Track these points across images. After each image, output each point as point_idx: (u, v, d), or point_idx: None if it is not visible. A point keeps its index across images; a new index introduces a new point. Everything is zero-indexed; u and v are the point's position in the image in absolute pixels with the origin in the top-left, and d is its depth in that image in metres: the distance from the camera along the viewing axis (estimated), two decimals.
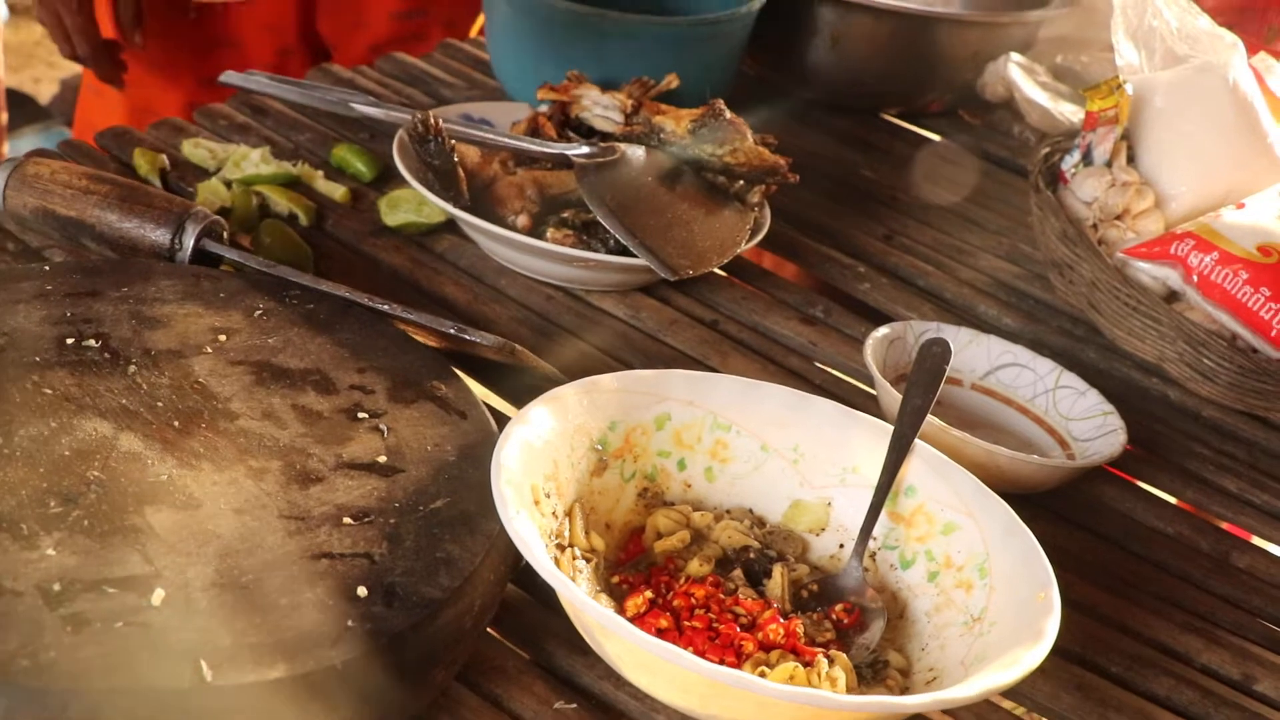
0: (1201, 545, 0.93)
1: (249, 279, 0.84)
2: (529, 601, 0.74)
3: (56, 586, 0.58)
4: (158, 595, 0.59)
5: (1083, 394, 0.96)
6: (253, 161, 1.09)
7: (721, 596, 0.73)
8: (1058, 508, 0.91)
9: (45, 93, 3.51)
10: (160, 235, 0.87)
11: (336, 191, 1.09)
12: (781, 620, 0.71)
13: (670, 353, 0.99)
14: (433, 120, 0.98)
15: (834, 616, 0.74)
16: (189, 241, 0.87)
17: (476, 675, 0.68)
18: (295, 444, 0.71)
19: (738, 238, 1.04)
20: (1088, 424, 0.94)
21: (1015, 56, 1.33)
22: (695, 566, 0.75)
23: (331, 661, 0.58)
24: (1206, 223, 1.06)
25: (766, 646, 0.70)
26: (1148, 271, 1.06)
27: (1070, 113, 1.31)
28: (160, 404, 0.71)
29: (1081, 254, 1.08)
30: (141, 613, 0.58)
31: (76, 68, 3.65)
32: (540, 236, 0.99)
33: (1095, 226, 1.12)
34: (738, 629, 0.70)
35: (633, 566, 0.76)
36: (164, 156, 1.07)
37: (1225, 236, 1.04)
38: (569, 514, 0.74)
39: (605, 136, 1.09)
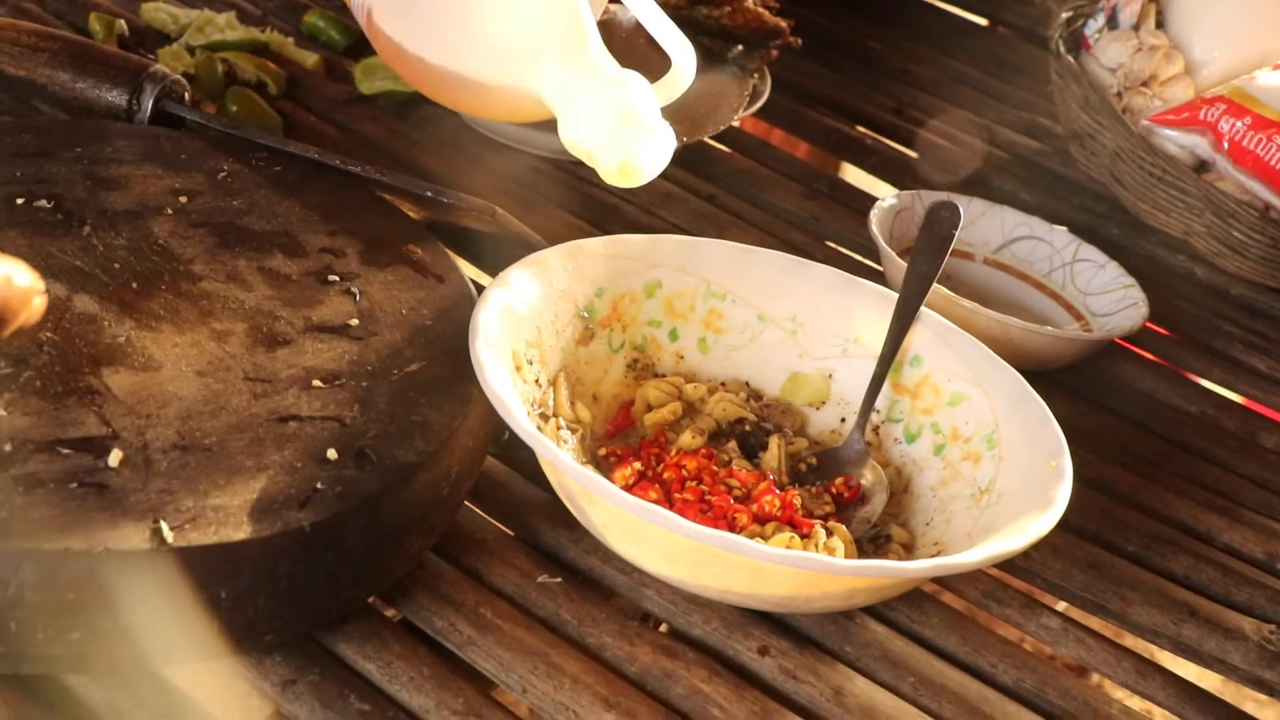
0: (1227, 424, 0.93)
1: (212, 141, 0.84)
2: (512, 476, 0.74)
3: (7, 447, 0.58)
4: (115, 456, 0.59)
5: (1102, 267, 0.95)
6: (218, 27, 1.07)
7: (714, 469, 0.73)
8: (1076, 385, 0.91)
9: None
10: (116, 96, 0.86)
11: (308, 59, 1.08)
12: (777, 492, 0.71)
13: (664, 226, 0.99)
14: None
15: (833, 490, 0.74)
16: (148, 102, 0.86)
17: (456, 549, 0.69)
18: (261, 306, 0.70)
19: (735, 105, 1.03)
20: (1107, 298, 0.94)
21: None
22: (687, 439, 0.75)
23: (299, 523, 0.58)
24: (1239, 86, 1.05)
25: (761, 519, 0.70)
26: (1175, 140, 1.05)
27: None
28: (117, 265, 0.71)
29: (1104, 123, 1.07)
30: (98, 474, 0.58)
31: None
32: None
33: (1120, 94, 1.11)
34: (731, 501, 0.70)
35: (621, 439, 0.76)
36: (121, 21, 1.06)
37: (1259, 100, 1.03)
38: (553, 383, 0.74)
39: None
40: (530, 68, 0.70)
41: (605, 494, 0.61)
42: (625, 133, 0.68)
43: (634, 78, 0.69)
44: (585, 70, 0.69)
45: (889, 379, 0.78)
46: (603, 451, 0.74)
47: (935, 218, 0.84)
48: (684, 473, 0.72)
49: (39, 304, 0.53)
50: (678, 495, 0.70)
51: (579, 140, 0.69)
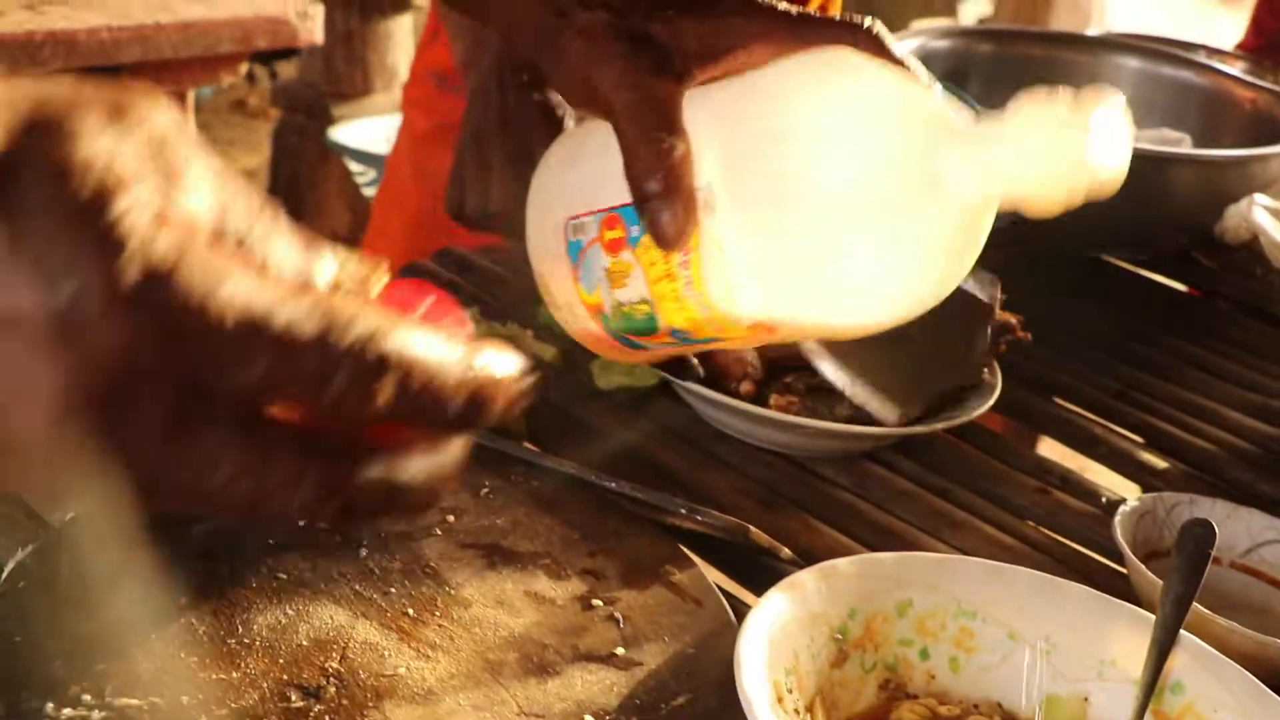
0: None
1: (473, 453, 0.87)
2: None
3: None
4: None
5: None
6: None
7: None
8: None
9: None
10: None
11: (547, 352, 1.13)
12: None
13: (900, 525, 0.99)
14: None
15: None
16: None
17: None
18: (530, 634, 0.73)
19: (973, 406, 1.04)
20: None
21: (1260, 198, 1.31)
22: None
23: None
24: None
25: None
26: None
27: None
28: (393, 590, 0.74)
29: None
30: None
31: None
32: (763, 403, 1.00)
33: None
34: None
35: None
36: None
37: None
38: (810, 709, 0.74)
39: None
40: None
41: None
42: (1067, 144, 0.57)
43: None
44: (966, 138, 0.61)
45: (1150, 704, 0.76)
46: None
47: (1189, 536, 0.83)
48: None
49: (522, 390, 0.50)
50: None
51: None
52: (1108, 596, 0.80)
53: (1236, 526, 0.97)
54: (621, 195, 0.68)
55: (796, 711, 0.73)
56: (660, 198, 0.64)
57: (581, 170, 0.73)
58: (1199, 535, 0.83)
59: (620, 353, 0.75)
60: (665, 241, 0.66)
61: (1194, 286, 1.49)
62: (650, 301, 0.70)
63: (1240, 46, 2.42)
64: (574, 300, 0.74)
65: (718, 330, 0.69)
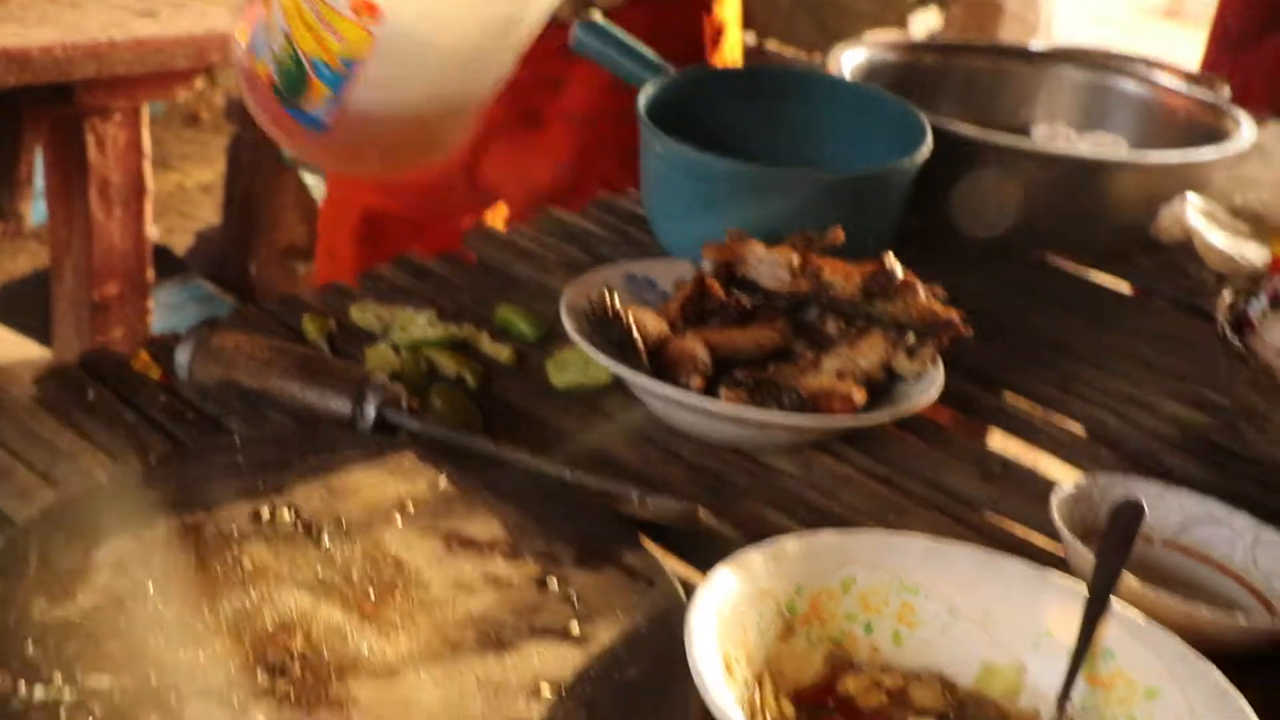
0: None
1: (430, 446, 0.90)
2: None
3: None
4: None
5: None
6: (420, 325, 1.16)
7: None
8: (1268, 675, 0.92)
9: (179, 244, 3.71)
10: (341, 405, 0.94)
11: (502, 353, 1.16)
12: None
13: (846, 511, 1.03)
14: (608, 301, 1.04)
15: None
16: (370, 411, 0.93)
17: None
18: (488, 613, 0.76)
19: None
20: None
21: (1192, 198, 1.36)
22: None
23: None
24: None
25: None
26: None
27: (1253, 254, 1.34)
28: (355, 575, 0.77)
29: (1275, 403, 1.10)
30: None
31: (212, 218, 3.84)
32: (713, 397, 1.04)
33: None
34: None
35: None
36: (332, 321, 1.15)
37: None
38: (758, 680, 0.78)
39: (770, 294, 1.14)
40: None
41: None
42: None
43: None
44: None
45: (1083, 671, 0.80)
46: None
47: (1119, 513, 0.87)
48: None
49: None
50: None
51: None
52: (1044, 568, 0.84)
53: (1169, 506, 1.01)
54: None
55: (745, 682, 0.76)
56: None
57: None
58: (1128, 511, 0.87)
59: (314, 143, 0.86)
60: None
61: (1133, 285, 1.54)
62: (286, 31, 0.76)
63: (1204, 67, 2.43)
64: (261, 89, 0.83)
65: (340, 41, 0.75)
